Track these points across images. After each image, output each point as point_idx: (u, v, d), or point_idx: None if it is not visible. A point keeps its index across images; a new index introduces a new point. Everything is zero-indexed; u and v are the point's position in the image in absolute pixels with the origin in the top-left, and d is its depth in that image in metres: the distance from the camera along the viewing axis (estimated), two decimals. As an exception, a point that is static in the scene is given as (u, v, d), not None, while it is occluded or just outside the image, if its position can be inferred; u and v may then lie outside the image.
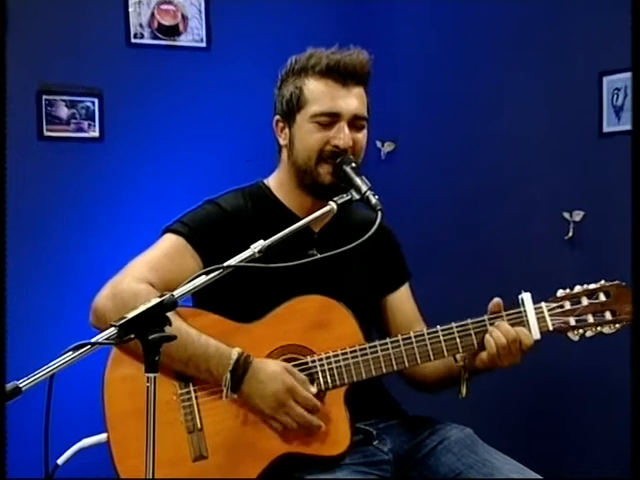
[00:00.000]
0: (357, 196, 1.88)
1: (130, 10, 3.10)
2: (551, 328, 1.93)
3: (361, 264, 2.08)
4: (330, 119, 1.98)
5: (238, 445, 1.89)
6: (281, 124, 2.07)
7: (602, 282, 1.96)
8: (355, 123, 2.00)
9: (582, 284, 1.97)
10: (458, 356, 1.96)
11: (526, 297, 1.94)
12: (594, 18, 2.74)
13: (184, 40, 3.17)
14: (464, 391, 1.96)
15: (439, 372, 2.06)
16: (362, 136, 2.03)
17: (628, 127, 2.58)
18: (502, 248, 3.02)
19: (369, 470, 1.94)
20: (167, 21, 3.15)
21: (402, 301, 2.19)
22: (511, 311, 1.94)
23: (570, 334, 1.94)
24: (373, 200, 1.86)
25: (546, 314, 1.93)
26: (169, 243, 2.02)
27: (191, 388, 1.91)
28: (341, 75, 1.99)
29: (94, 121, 3.05)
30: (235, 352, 1.87)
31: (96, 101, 3.05)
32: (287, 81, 2.05)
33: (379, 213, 1.83)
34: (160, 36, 3.14)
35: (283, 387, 1.86)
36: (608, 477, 2.61)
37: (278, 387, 1.86)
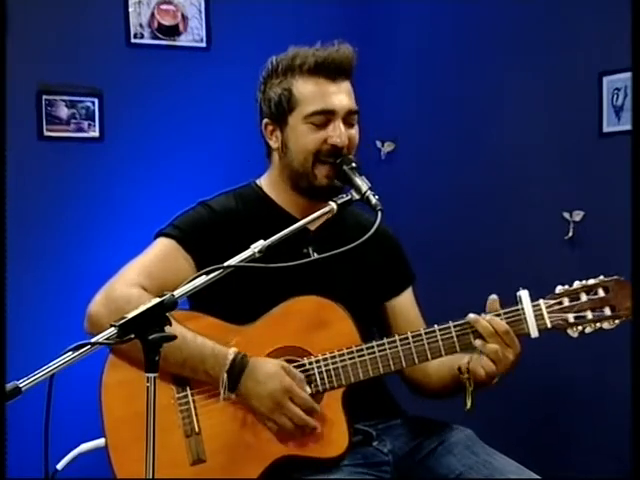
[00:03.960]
0: (357, 196, 1.87)
1: (130, 10, 3.10)
2: (549, 325, 1.90)
3: (361, 265, 2.07)
4: (325, 118, 1.97)
5: (236, 448, 1.88)
6: (271, 127, 2.04)
7: (601, 277, 1.92)
8: (348, 119, 1.99)
9: (581, 280, 1.93)
10: (463, 367, 1.93)
11: (524, 294, 1.91)
12: (594, 18, 2.74)
13: (184, 40, 3.18)
14: (469, 403, 1.94)
15: (444, 381, 2.03)
16: (355, 132, 2.02)
17: (628, 127, 2.58)
18: (502, 248, 3.02)
19: (368, 471, 1.93)
20: (167, 21, 3.15)
21: (405, 306, 2.16)
22: (509, 309, 1.91)
23: (569, 331, 1.90)
24: (373, 200, 1.86)
25: (544, 311, 1.90)
26: (161, 247, 2.02)
27: (188, 392, 1.90)
28: (330, 71, 1.97)
29: (94, 121, 3.05)
30: (232, 352, 1.86)
31: (96, 101, 3.05)
32: (272, 83, 2.02)
33: (379, 213, 1.82)
34: (160, 36, 3.15)
35: (280, 387, 1.85)
36: (608, 477, 2.61)
37: (275, 387, 1.85)
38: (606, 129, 2.70)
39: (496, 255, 3.03)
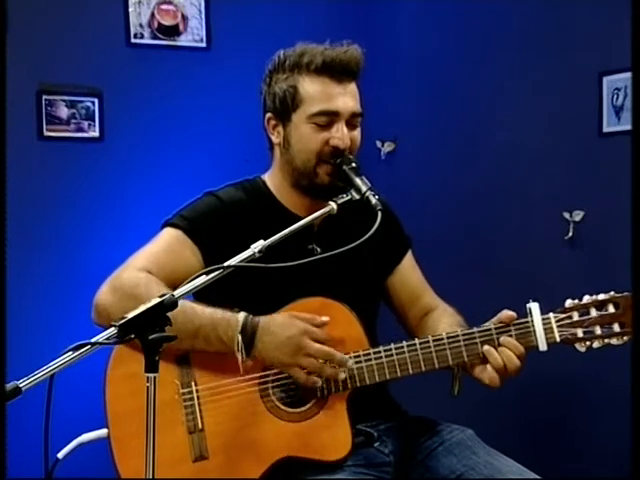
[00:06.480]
0: (357, 196, 1.88)
1: (130, 10, 3.10)
2: (558, 339, 1.89)
3: (362, 249, 2.05)
4: (328, 119, 1.97)
5: (239, 446, 1.88)
6: (273, 122, 2.04)
7: (612, 293, 1.91)
8: (352, 121, 1.99)
9: (590, 294, 1.92)
10: None
11: (534, 307, 1.89)
12: (594, 18, 2.74)
13: (184, 40, 3.18)
14: (457, 389, 1.95)
15: None
16: (358, 134, 2.02)
17: (628, 127, 2.58)
18: (502, 248, 3.02)
19: (370, 472, 1.93)
20: (167, 21, 3.15)
21: (407, 272, 2.17)
22: (518, 321, 1.90)
23: (577, 345, 1.89)
24: (373, 200, 1.86)
25: (554, 325, 1.89)
26: (168, 237, 2.02)
27: (193, 388, 1.90)
28: (337, 72, 1.97)
29: (94, 121, 3.05)
30: (242, 314, 1.87)
31: (96, 101, 3.05)
32: (277, 78, 2.01)
33: (379, 213, 1.82)
34: (160, 36, 3.15)
35: (297, 331, 1.85)
36: (608, 478, 2.61)
37: (292, 331, 1.85)
38: (606, 129, 2.70)
39: (496, 255, 3.03)
